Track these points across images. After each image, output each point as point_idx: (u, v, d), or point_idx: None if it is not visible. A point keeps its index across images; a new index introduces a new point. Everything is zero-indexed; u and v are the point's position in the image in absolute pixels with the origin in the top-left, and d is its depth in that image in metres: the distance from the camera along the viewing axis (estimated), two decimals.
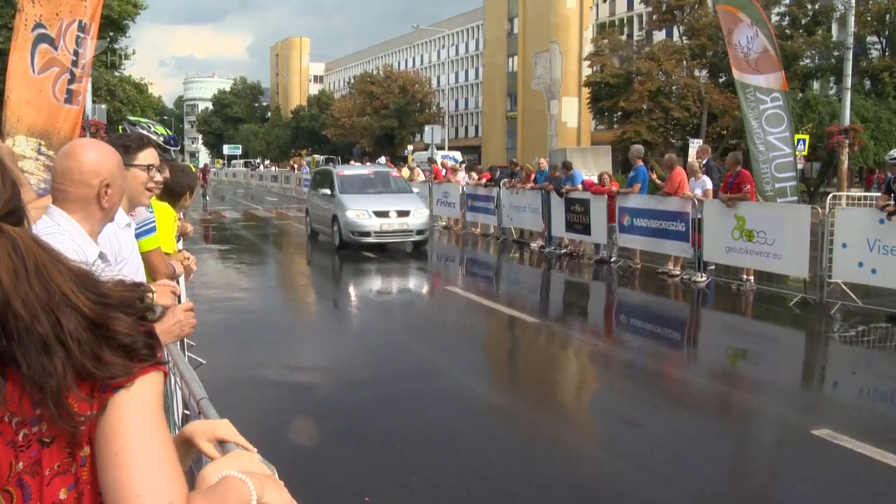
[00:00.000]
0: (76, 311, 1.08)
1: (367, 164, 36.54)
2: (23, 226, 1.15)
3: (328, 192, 16.48)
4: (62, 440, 1.08)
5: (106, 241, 2.52)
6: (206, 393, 2.08)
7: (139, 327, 1.14)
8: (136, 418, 1.09)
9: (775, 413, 6.07)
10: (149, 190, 3.06)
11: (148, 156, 3.05)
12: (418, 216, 15.71)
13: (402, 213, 15.49)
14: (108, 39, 27.71)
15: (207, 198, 31.68)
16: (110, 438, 1.08)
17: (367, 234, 15.24)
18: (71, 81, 5.70)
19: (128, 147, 2.98)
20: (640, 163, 13.96)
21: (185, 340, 6.14)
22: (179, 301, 3.07)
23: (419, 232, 15.61)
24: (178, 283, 3.92)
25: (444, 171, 23.56)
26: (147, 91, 41.18)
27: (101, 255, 2.25)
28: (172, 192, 4.29)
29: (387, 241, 15.57)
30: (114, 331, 1.11)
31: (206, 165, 46.48)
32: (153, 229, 3.35)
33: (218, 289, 11.55)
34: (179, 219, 4.67)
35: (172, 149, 4.72)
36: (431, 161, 27.51)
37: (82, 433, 1.09)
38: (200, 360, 6.96)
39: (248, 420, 5.47)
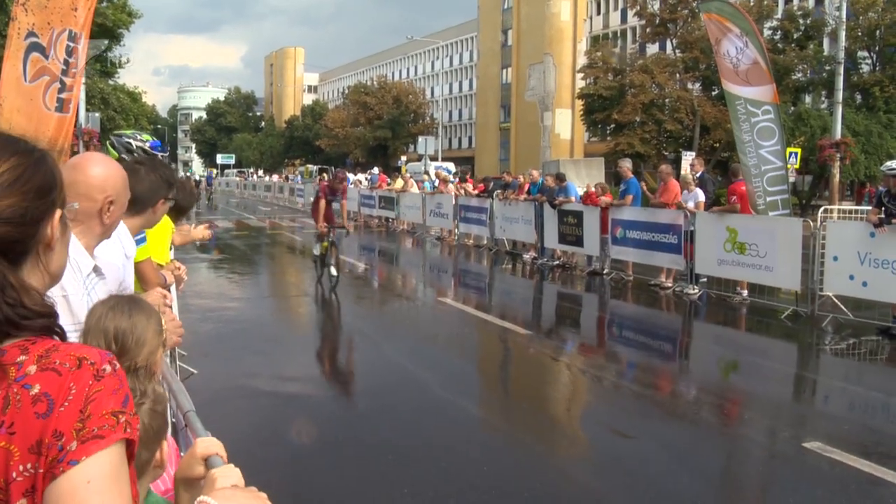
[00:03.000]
0: None
1: (360, 173, 36.54)
2: (23, 248, 1.10)
3: None
4: None
5: (114, 271, 2.52)
6: (193, 405, 2.06)
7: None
8: None
9: (767, 425, 6.07)
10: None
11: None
12: None
13: None
14: (109, 42, 27.56)
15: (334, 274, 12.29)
16: None
17: None
18: (61, 90, 5.69)
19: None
20: (631, 175, 14.00)
21: (176, 350, 6.11)
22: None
23: None
24: (169, 292, 3.91)
25: (437, 182, 23.62)
26: (141, 100, 41.15)
27: (96, 269, 2.24)
28: (180, 209, 4.31)
29: None
30: None
31: (339, 173, 16.24)
32: (143, 240, 3.34)
33: (210, 298, 11.50)
34: (213, 225, 4.77)
35: (161, 154, 4.72)
36: (438, 172, 27.12)
37: (11, 486, 1.01)
38: (192, 370, 6.93)
39: (239, 431, 5.45)
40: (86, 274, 2.14)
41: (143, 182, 3.05)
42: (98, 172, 2.20)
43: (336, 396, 6.63)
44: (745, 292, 11.20)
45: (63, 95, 5.67)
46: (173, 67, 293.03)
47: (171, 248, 5.01)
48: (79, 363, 1.05)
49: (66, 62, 5.65)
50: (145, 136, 4.73)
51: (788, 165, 13.43)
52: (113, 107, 33.19)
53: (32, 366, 1.04)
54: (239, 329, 9.51)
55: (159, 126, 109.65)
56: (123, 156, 4.35)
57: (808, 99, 39.22)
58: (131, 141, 4.56)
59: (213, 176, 57.21)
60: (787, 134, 18.53)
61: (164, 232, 3.93)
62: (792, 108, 34.95)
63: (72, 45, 5.67)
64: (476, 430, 5.91)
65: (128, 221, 2.86)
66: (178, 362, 6.52)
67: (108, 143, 4.73)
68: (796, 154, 24.39)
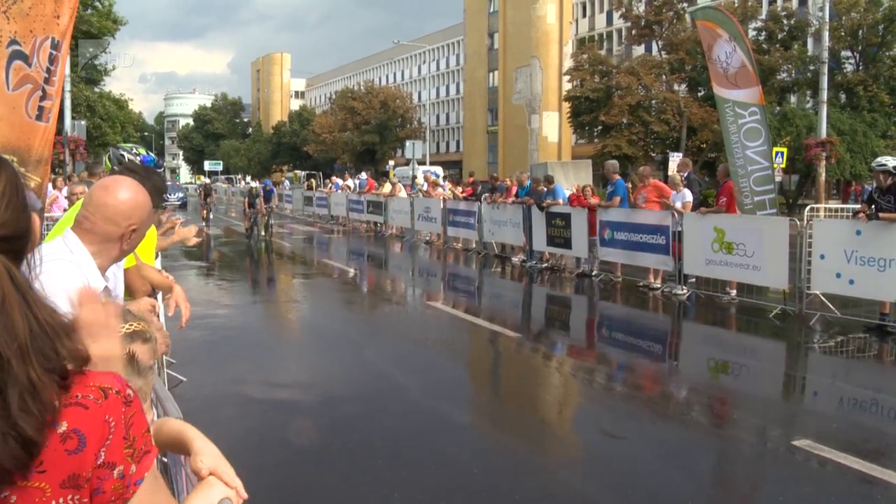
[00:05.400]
0: (25, 367, 0.99)
1: (348, 179, 36.45)
2: (20, 257, 1.09)
3: None
4: None
5: (112, 277, 2.52)
6: (181, 413, 2.05)
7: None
8: None
9: (756, 424, 6.08)
10: None
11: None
12: None
13: None
14: (105, 43, 27.34)
15: None
16: None
17: None
18: (42, 98, 5.63)
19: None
20: (618, 177, 14.06)
21: (164, 358, 6.07)
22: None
23: None
24: (157, 299, 3.89)
25: (424, 186, 23.68)
26: (127, 107, 40.89)
27: (106, 290, 2.24)
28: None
29: None
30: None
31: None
32: None
33: (198, 305, 11.43)
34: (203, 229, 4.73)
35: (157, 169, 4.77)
36: (427, 175, 27.18)
37: None
38: (181, 377, 6.90)
39: (228, 437, 5.42)
40: None
41: None
42: (127, 198, 2.22)
43: (325, 402, 6.61)
44: (734, 292, 11.25)
45: (44, 104, 5.62)
46: (159, 74, 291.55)
47: (157, 255, 4.99)
48: (104, 394, 1.09)
49: (48, 70, 5.60)
50: (140, 151, 4.79)
51: (775, 165, 13.50)
52: (99, 115, 32.99)
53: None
54: (227, 336, 9.47)
55: (146, 133, 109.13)
56: (115, 168, 4.41)
57: (793, 99, 39.50)
58: (125, 154, 4.64)
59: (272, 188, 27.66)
60: (773, 134, 18.63)
61: (149, 237, 3.92)
62: (777, 108, 35.20)
63: (54, 52, 5.62)
64: (466, 433, 5.90)
65: None
66: (166, 370, 6.49)
67: (107, 155, 4.81)
68: (782, 154, 24.52)
